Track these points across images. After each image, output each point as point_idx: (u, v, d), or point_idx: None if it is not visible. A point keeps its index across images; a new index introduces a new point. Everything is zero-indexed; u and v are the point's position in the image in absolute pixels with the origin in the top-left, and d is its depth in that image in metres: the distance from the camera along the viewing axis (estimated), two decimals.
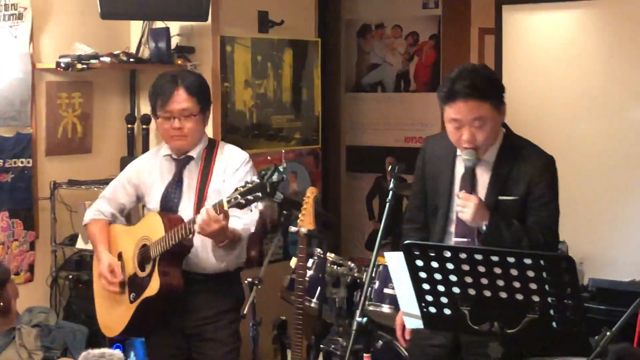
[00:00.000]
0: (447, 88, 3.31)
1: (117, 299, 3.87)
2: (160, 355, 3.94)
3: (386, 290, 4.27)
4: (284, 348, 5.06)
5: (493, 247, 3.20)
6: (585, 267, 4.96)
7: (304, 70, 5.92)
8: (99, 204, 4.05)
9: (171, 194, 3.86)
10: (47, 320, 4.71)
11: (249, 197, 3.39)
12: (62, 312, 5.03)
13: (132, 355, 4.74)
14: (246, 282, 3.85)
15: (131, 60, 5.21)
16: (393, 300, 4.11)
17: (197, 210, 3.67)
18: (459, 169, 3.43)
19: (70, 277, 5.04)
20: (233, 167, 3.83)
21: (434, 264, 2.85)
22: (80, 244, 4.96)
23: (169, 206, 3.84)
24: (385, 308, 4.24)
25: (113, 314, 3.91)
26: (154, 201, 3.91)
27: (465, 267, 2.80)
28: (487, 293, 2.81)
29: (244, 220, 3.71)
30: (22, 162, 4.95)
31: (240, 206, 3.43)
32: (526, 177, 3.33)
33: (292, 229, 3.94)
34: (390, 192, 3.34)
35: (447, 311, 2.92)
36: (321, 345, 4.46)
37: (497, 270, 2.76)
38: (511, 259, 2.73)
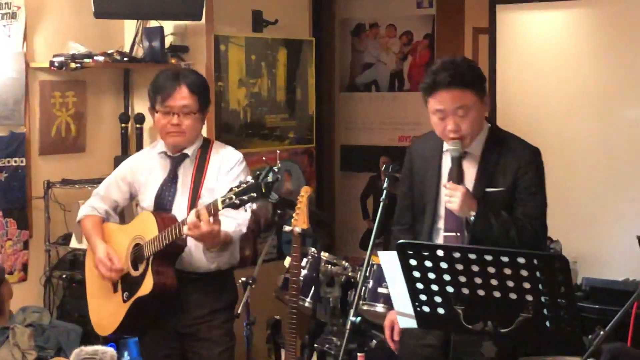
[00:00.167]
0: (430, 79, 3.33)
1: (110, 298, 3.87)
2: (153, 354, 3.94)
3: (380, 290, 4.27)
4: (278, 347, 5.06)
5: (482, 237, 3.24)
6: (579, 266, 4.96)
7: (298, 69, 5.92)
8: (92, 201, 4.04)
9: (165, 192, 3.85)
10: (41, 319, 4.70)
11: (244, 197, 3.39)
12: (56, 312, 5.01)
13: (125, 354, 4.72)
14: (240, 281, 3.84)
15: (125, 59, 5.20)
16: (387, 300, 4.10)
17: (191, 208, 3.66)
18: (446, 166, 3.44)
19: (64, 276, 5.02)
20: (227, 166, 3.83)
21: (428, 263, 2.85)
22: (74, 243, 4.95)
23: (162, 204, 3.84)
24: (379, 307, 4.24)
25: (106, 312, 3.91)
26: (147, 199, 3.90)
27: (459, 267, 2.80)
28: (481, 292, 2.81)
29: (237, 221, 3.70)
30: (15, 162, 4.94)
31: (235, 206, 3.42)
32: (513, 168, 3.35)
33: (286, 228, 3.95)
34: (384, 192, 3.35)
35: (440, 310, 2.92)
36: (315, 345, 4.47)
37: (491, 270, 2.76)
38: (505, 258, 2.73)
